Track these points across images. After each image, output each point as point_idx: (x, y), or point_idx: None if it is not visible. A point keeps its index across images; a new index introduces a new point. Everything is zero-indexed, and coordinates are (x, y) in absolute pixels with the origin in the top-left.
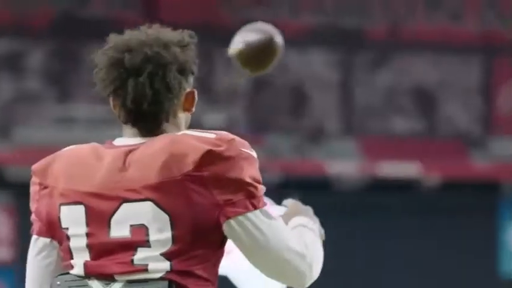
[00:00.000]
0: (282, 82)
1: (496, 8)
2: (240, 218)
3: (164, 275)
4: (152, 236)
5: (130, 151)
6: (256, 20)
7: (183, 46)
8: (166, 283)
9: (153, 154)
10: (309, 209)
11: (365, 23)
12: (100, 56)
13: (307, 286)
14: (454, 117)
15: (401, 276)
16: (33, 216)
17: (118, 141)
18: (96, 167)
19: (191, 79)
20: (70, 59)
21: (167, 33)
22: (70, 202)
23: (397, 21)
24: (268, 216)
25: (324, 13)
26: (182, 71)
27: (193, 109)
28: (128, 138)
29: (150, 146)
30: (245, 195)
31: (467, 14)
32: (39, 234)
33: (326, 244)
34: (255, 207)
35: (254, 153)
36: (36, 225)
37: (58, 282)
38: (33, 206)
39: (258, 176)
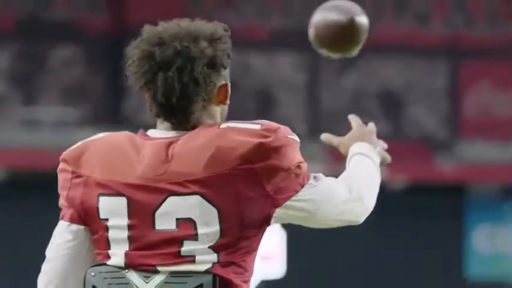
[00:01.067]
0: (248, 85)
1: (463, 10)
2: (290, 202)
3: (211, 267)
4: (200, 230)
5: (171, 143)
6: (223, 22)
7: (215, 39)
8: (210, 277)
9: (199, 148)
10: (371, 132)
11: None
12: (133, 48)
13: (363, 218)
14: (420, 120)
15: (366, 279)
16: (62, 202)
17: (153, 133)
18: (135, 157)
19: (223, 72)
20: (35, 61)
21: (200, 26)
22: (110, 193)
23: None
24: (313, 186)
25: (292, 16)
26: (212, 65)
27: (228, 102)
28: (162, 131)
29: (193, 139)
30: (293, 179)
31: (434, 17)
32: (72, 221)
33: (294, 245)
34: (303, 185)
35: (297, 137)
36: (67, 212)
37: (93, 273)
38: (63, 193)
39: (301, 157)
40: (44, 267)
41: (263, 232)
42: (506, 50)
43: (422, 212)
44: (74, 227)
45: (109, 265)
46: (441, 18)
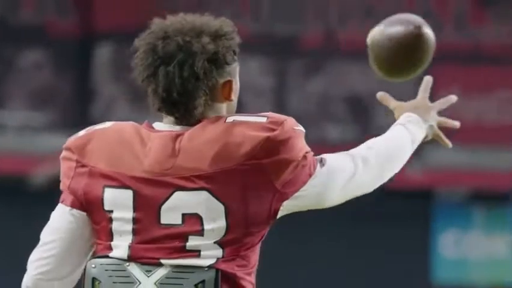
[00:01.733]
0: None
1: (430, 15)
2: (298, 193)
3: (215, 262)
4: (207, 226)
5: (178, 136)
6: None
7: (219, 35)
8: (213, 273)
9: (206, 143)
10: (429, 108)
11: (300, 30)
12: (140, 41)
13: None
14: (388, 125)
15: (332, 285)
16: (64, 187)
17: (158, 126)
18: (142, 150)
19: (227, 68)
20: (2, 65)
21: (206, 22)
22: (116, 185)
23: (331, 29)
24: (320, 172)
25: (259, 20)
26: (214, 61)
27: (234, 98)
28: (167, 125)
29: (200, 133)
30: (301, 170)
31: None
32: (73, 206)
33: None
34: (310, 175)
35: (302, 127)
36: (68, 198)
37: (93, 265)
38: (66, 181)
39: (307, 146)
40: (38, 250)
41: (269, 225)
42: (474, 55)
43: (389, 217)
44: (76, 212)
45: (110, 257)
46: None
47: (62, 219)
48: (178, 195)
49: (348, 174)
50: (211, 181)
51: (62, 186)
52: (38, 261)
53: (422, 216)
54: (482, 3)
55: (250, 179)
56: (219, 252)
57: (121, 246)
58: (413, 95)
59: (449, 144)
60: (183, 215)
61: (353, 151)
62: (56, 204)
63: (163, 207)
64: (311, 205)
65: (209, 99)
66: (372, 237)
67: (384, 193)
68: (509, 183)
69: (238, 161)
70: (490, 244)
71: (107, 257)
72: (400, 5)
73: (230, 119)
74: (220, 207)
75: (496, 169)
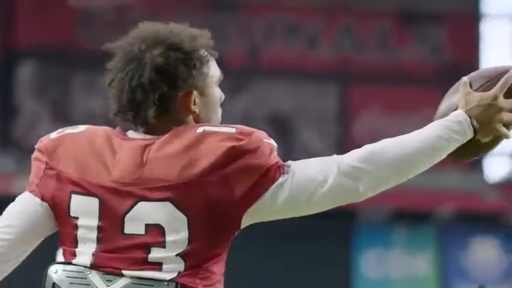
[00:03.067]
0: None
1: (352, 35)
2: (261, 202)
3: (177, 275)
4: (169, 237)
5: (147, 146)
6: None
7: (175, 48)
8: (173, 287)
9: (173, 154)
10: (476, 99)
11: (224, 49)
12: (116, 44)
13: (367, 194)
14: (310, 144)
15: None
16: (32, 184)
17: (131, 134)
18: (111, 159)
19: (190, 81)
20: None
21: (172, 32)
22: (83, 192)
23: (255, 48)
24: (285, 181)
25: None
26: (163, 72)
27: (196, 110)
28: (138, 133)
29: (169, 143)
30: (264, 180)
31: (324, 41)
32: (43, 200)
33: None
34: (273, 185)
35: (273, 141)
36: (35, 190)
37: (55, 271)
38: (34, 179)
39: (277, 159)
40: None
41: (233, 236)
42: (395, 75)
43: (311, 236)
44: (45, 204)
45: (73, 264)
46: (330, 42)
47: (28, 207)
48: (141, 205)
49: (319, 183)
50: (175, 192)
51: (30, 182)
52: None
53: (344, 235)
54: (403, 23)
55: (214, 190)
56: (181, 265)
57: (84, 253)
58: (335, 109)
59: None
60: (146, 225)
61: (342, 158)
62: None
63: (127, 217)
64: (282, 214)
65: (165, 111)
66: (294, 256)
67: None
68: (430, 202)
69: (202, 172)
70: (411, 263)
71: (70, 263)
72: (323, 24)
73: (200, 130)
74: (183, 219)
75: (418, 189)
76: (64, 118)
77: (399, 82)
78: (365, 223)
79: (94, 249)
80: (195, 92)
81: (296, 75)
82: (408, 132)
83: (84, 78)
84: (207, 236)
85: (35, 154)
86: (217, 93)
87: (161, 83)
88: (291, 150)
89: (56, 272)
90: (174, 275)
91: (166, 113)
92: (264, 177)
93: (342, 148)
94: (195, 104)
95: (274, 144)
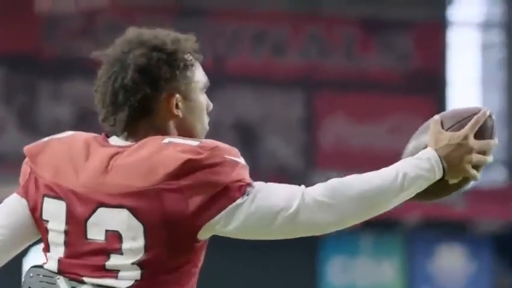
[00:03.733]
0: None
1: (318, 42)
2: (215, 220)
3: (133, 284)
4: (126, 244)
5: (116, 154)
6: (81, 53)
7: (158, 49)
8: None
9: (135, 162)
10: (446, 138)
11: None
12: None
13: (328, 229)
14: (276, 152)
15: None
16: (20, 184)
17: (112, 140)
18: (82, 164)
19: (173, 83)
20: None
21: (154, 35)
22: (53, 196)
23: (221, 55)
24: (246, 204)
25: None
26: (145, 72)
27: (179, 114)
28: (119, 139)
29: (136, 152)
30: (220, 197)
31: (290, 48)
32: (23, 197)
33: None
34: (231, 204)
35: (240, 160)
36: (21, 192)
37: (31, 274)
38: (21, 182)
39: (241, 177)
40: None
41: (196, 248)
42: (362, 82)
43: (277, 243)
44: (27, 208)
45: (45, 269)
46: (297, 50)
47: (15, 209)
48: (101, 211)
49: (280, 211)
50: (133, 200)
51: (19, 184)
52: None
53: (311, 243)
54: (370, 30)
55: (169, 200)
56: (137, 273)
57: (53, 258)
58: (301, 116)
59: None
60: (106, 231)
61: (308, 190)
62: None
63: (89, 222)
64: (240, 235)
65: (148, 114)
66: (261, 264)
67: None
68: (397, 210)
69: (159, 181)
70: (378, 270)
71: (42, 267)
72: (289, 31)
73: (166, 140)
74: (140, 227)
75: None
76: (30, 125)
77: (366, 89)
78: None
79: (60, 254)
80: (177, 95)
81: (262, 82)
82: (374, 140)
83: (51, 85)
84: (164, 245)
85: (25, 159)
86: (203, 100)
87: (143, 84)
88: (257, 157)
89: (32, 276)
90: (130, 283)
91: (148, 116)
92: (221, 195)
93: (308, 155)
94: (177, 107)
95: (241, 161)
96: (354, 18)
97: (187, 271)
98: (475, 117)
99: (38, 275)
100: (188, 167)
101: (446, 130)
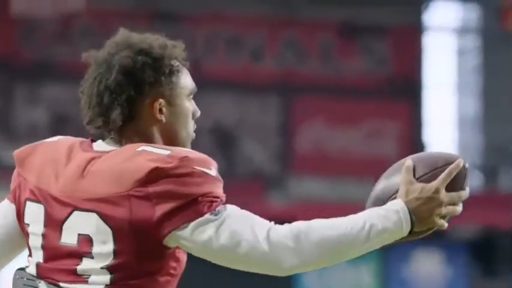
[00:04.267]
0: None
1: (295, 47)
2: (178, 233)
3: None
4: (96, 248)
5: (93, 159)
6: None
7: (144, 52)
8: None
9: (107, 168)
10: (416, 191)
11: None
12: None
13: (290, 271)
14: (252, 156)
15: None
16: (11, 189)
17: (95, 145)
18: (63, 169)
19: (158, 87)
20: None
21: (141, 38)
22: (34, 200)
23: (198, 59)
24: (213, 221)
25: None
26: (129, 75)
27: (163, 119)
28: (102, 144)
29: (109, 158)
30: (183, 209)
31: (267, 53)
32: (12, 202)
33: None
34: (194, 219)
35: (211, 172)
36: (10, 197)
37: (18, 276)
38: (12, 186)
39: (212, 192)
40: None
41: (167, 255)
42: (338, 87)
43: None
44: (13, 211)
45: (27, 272)
46: (274, 55)
47: (6, 213)
48: (75, 215)
49: (245, 242)
50: (102, 204)
51: (11, 186)
52: None
53: None
54: (347, 35)
55: (137, 207)
56: (106, 278)
57: (32, 262)
58: (278, 121)
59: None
60: (79, 235)
61: (276, 228)
62: None
63: (64, 225)
64: (202, 254)
65: (132, 117)
66: (232, 269)
67: None
68: None
69: (128, 187)
70: (354, 274)
71: (25, 271)
72: (264, 36)
73: (139, 149)
74: (108, 231)
75: (360, 201)
76: (6, 129)
77: (342, 94)
78: None
79: (39, 259)
80: (161, 100)
81: (239, 87)
82: (350, 144)
83: (27, 89)
84: (133, 251)
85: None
86: (188, 106)
87: (127, 86)
88: (233, 162)
89: (18, 278)
90: (100, 287)
91: (132, 120)
92: (188, 207)
93: (284, 160)
94: (161, 112)
95: (211, 173)
96: (331, 23)
97: (159, 278)
98: (449, 168)
99: (22, 278)
100: (155, 176)
101: (418, 179)
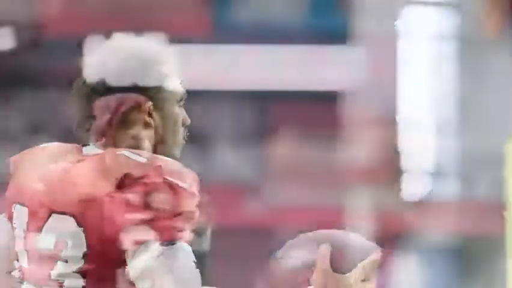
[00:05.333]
0: (54, 125)
1: (271, 52)
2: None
3: None
4: (70, 252)
5: (78, 162)
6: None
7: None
8: None
9: (86, 172)
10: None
11: None
12: None
13: None
14: (228, 163)
15: None
16: (6, 196)
17: (85, 149)
18: (46, 172)
19: (140, 92)
20: None
21: (130, 42)
22: (20, 202)
23: None
24: (165, 252)
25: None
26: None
27: (152, 123)
28: (90, 147)
29: (90, 162)
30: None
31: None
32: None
33: None
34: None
35: (184, 184)
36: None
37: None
38: (6, 193)
39: (176, 206)
40: None
41: None
42: (314, 93)
43: (229, 256)
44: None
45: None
46: (250, 59)
47: (3, 218)
48: (54, 218)
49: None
50: (78, 208)
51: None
52: None
53: (262, 254)
54: (321, 41)
55: (108, 212)
56: (79, 282)
57: (18, 267)
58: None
59: None
60: (56, 238)
61: None
62: None
63: (44, 228)
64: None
65: (120, 121)
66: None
67: (222, 230)
68: (351, 220)
69: (102, 192)
70: None
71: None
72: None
73: (120, 152)
74: (81, 235)
75: (337, 207)
76: None
77: (318, 101)
78: (284, 242)
79: (23, 263)
80: (150, 104)
81: (214, 92)
82: (327, 152)
83: (0, 96)
84: (104, 256)
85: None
86: (177, 112)
87: (115, 89)
88: (209, 169)
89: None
90: None
91: (121, 124)
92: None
93: (261, 167)
94: (150, 116)
95: (184, 185)
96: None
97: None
98: (365, 263)
99: (17, 282)
100: (128, 182)
101: (335, 270)
